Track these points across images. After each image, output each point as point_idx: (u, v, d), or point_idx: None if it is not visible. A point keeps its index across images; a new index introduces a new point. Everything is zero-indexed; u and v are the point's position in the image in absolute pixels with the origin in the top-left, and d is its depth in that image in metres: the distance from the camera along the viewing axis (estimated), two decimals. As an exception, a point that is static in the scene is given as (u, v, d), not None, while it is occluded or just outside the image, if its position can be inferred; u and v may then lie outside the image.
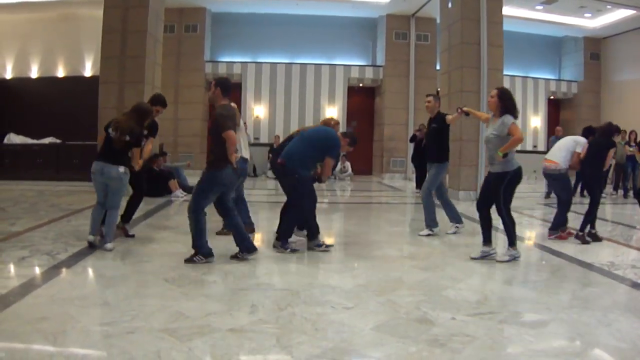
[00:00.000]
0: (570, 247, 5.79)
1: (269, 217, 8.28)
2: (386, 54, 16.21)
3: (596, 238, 6.14)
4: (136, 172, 5.46)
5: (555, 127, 12.87)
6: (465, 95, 10.33)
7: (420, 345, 2.88)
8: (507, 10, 11.89)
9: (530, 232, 7.24)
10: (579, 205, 9.39)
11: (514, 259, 5.01)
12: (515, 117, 4.97)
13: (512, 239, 5.06)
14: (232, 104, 5.42)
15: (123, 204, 5.61)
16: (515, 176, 4.99)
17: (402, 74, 16.11)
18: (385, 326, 3.17)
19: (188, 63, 15.69)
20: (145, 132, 5.67)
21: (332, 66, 16.57)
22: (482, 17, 10.31)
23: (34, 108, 14.63)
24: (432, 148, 6.44)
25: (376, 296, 3.82)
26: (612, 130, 6.36)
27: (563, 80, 18.22)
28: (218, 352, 2.76)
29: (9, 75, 15.46)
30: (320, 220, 5.68)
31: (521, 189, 14.04)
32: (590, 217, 6.14)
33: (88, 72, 15.18)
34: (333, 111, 16.47)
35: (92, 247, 5.13)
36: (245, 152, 6.01)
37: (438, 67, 13.40)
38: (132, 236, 5.74)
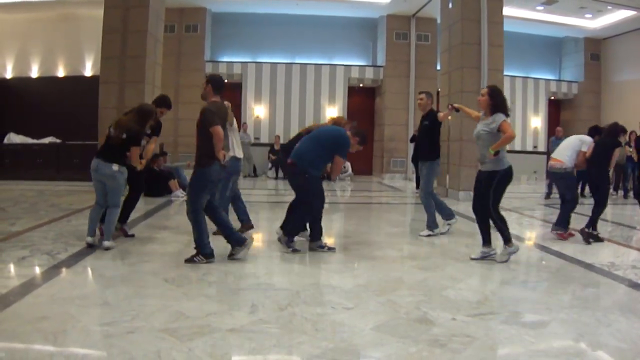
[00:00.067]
0: (571, 248, 5.79)
1: (269, 217, 8.28)
2: (386, 54, 16.20)
3: (597, 239, 6.14)
4: (135, 171, 5.46)
5: (555, 127, 12.86)
6: (465, 96, 10.32)
7: (421, 346, 2.88)
8: (507, 10, 11.88)
9: (531, 233, 7.24)
10: (579, 206, 9.39)
11: (512, 253, 5.00)
12: (507, 115, 4.94)
13: (506, 237, 5.01)
14: (226, 103, 5.44)
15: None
16: (505, 175, 4.95)
17: (403, 74, 16.10)
18: (386, 326, 3.17)
19: (188, 63, 15.68)
20: (149, 131, 5.67)
21: (333, 66, 16.57)
22: (483, 18, 10.31)
23: (34, 108, 14.63)
24: (424, 145, 6.45)
25: (376, 296, 3.82)
26: (618, 130, 6.39)
27: (563, 80, 18.22)
28: (218, 352, 2.76)
29: (9, 75, 15.46)
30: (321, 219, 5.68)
31: (521, 189, 14.10)
32: (596, 216, 6.16)
33: (88, 72, 15.18)
34: (333, 111, 16.46)
35: (91, 247, 5.14)
36: (237, 151, 6.01)
37: (438, 68, 13.38)
38: (132, 236, 5.74)
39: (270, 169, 15.50)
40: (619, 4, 14.36)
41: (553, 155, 6.52)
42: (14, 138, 14.13)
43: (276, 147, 15.57)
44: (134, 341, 2.83)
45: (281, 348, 2.82)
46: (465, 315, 3.40)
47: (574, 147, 6.33)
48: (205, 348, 2.79)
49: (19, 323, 3.04)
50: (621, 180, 12.20)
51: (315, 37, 16.65)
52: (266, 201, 10.95)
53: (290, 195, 10.59)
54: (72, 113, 14.07)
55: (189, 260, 4.63)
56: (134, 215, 6.07)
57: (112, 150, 5.20)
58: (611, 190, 12.19)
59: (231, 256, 4.82)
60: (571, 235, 6.30)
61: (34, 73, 15.39)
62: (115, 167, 5.14)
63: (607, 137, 6.35)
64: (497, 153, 4.82)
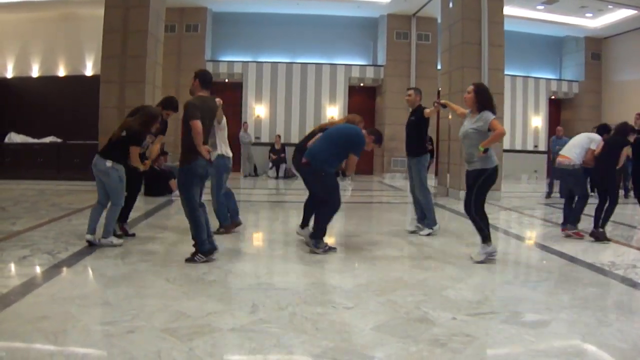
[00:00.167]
0: (571, 247, 5.78)
1: (269, 217, 8.29)
2: (387, 54, 16.20)
3: (603, 238, 6.16)
4: (137, 171, 5.45)
5: (556, 127, 12.85)
6: (466, 95, 10.32)
7: (421, 345, 2.88)
8: (508, 10, 11.88)
9: (531, 232, 7.24)
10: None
11: (490, 255, 4.93)
12: (494, 112, 4.89)
13: (484, 235, 4.94)
14: (218, 100, 5.43)
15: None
16: (493, 174, 4.91)
17: (403, 73, 16.10)
18: (386, 326, 3.17)
19: (189, 63, 15.65)
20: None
21: (333, 66, 16.57)
22: (483, 17, 10.30)
23: (34, 107, 14.64)
24: (411, 141, 6.44)
25: (377, 296, 3.82)
26: (627, 129, 6.42)
27: (564, 80, 18.21)
28: (219, 352, 2.77)
29: (9, 74, 15.47)
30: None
31: (522, 189, 14.10)
32: (609, 214, 6.18)
33: (89, 71, 15.19)
34: (334, 111, 16.48)
35: (92, 245, 5.14)
36: (225, 149, 6.00)
37: (439, 67, 13.38)
38: (133, 235, 5.74)
39: (271, 168, 15.51)
40: (620, 3, 14.36)
41: (561, 152, 6.53)
42: (14, 137, 14.14)
43: (277, 147, 15.58)
44: (135, 341, 2.83)
45: (281, 348, 2.82)
46: (466, 315, 3.40)
47: (582, 144, 6.34)
48: (205, 348, 2.79)
49: (20, 322, 3.05)
50: (622, 179, 12.17)
51: (315, 36, 16.65)
52: (267, 200, 10.95)
53: (290, 195, 10.56)
54: (72, 113, 14.09)
55: (190, 260, 4.63)
56: (134, 214, 6.07)
57: (111, 147, 5.22)
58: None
59: (189, 260, 4.69)
60: (579, 235, 6.37)
61: (35, 72, 15.41)
62: (109, 163, 5.14)
63: (617, 136, 6.38)
64: (486, 151, 4.78)
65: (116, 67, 10.01)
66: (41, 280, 4.03)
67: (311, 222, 5.51)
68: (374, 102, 17.59)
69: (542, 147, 17.70)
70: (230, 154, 6.14)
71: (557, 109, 18.84)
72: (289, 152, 15.65)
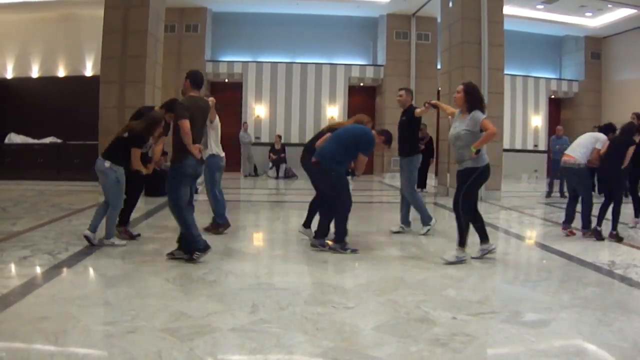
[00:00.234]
0: (571, 247, 5.78)
1: (270, 217, 8.29)
2: (387, 54, 16.21)
3: (600, 237, 6.17)
4: (136, 174, 5.42)
5: (556, 126, 12.85)
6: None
7: (421, 345, 2.88)
8: (507, 9, 11.87)
9: (531, 232, 7.24)
10: (579, 205, 9.37)
11: (460, 261, 4.82)
12: (484, 112, 4.86)
13: (462, 240, 4.87)
14: (211, 99, 5.47)
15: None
16: (484, 172, 4.86)
17: (403, 73, 16.10)
18: (386, 326, 3.17)
19: (189, 63, 15.60)
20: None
21: (333, 65, 16.57)
22: (483, 17, 10.29)
23: (34, 108, 14.64)
24: (403, 141, 6.43)
25: (377, 296, 3.82)
26: (633, 129, 6.44)
27: (564, 79, 18.22)
28: (219, 352, 2.77)
29: (9, 75, 15.47)
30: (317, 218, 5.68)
31: (522, 188, 14.08)
32: (616, 215, 6.20)
33: (89, 71, 15.19)
34: (334, 110, 16.48)
35: (89, 243, 5.15)
36: (216, 149, 5.98)
37: (439, 67, 13.39)
38: (138, 235, 5.69)
39: (271, 168, 15.51)
40: (620, 3, 14.36)
41: (566, 151, 6.53)
42: (14, 138, 14.14)
43: (277, 147, 15.58)
44: (135, 341, 2.83)
45: (282, 348, 2.82)
46: (466, 315, 3.40)
47: (587, 144, 6.35)
48: (205, 348, 2.79)
49: (20, 323, 3.05)
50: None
51: (315, 36, 16.66)
52: (267, 200, 10.95)
53: (290, 195, 10.54)
54: (72, 113, 14.08)
55: (190, 260, 4.62)
56: (134, 215, 6.06)
57: (112, 149, 5.23)
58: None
59: (171, 254, 4.72)
60: (572, 234, 6.34)
61: (35, 73, 15.41)
62: (107, 163, 5.15)
63: (622, 135, 6.39)
64: (478, 152, 4.75)
65: (116, 67, 10.01)
66: (41, 281, 4.03)
67: (314, 222, 5.53)
68: (373, 102, 17.59)
69: (542, 146, 17.71)
70: (222, 154, 6.11)
71: (557, 108, 18.84)
72: (289, 152, 15.66)
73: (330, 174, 5.22)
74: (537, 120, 17.88)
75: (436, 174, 12.65)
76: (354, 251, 5.22)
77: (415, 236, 6.30)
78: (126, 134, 5.18)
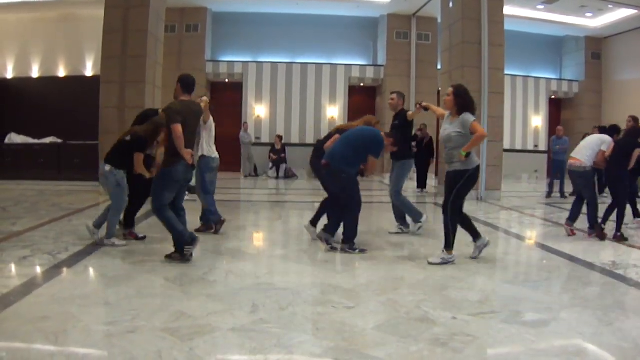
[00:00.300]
0: (572, 247, 5.78)
1: (270, 217, 8.29)
2: (387, 54, 16.21)
3: (603, 235, 6.21)
4: (140, 177, 5.41)
5: (556, 126, 12.86)
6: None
7: (422, 345, 2.88)
8: (508, 9, 11.88)
9: (532, 232, 7.24)
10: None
11: (446, 262, 4.81)
12: (474, 114, 4.84)
13: (448, 242, 4.87)
14: (204, 98, 5.54)
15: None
16: (474, 174, 4.85)
17: (403, 73, 16.11)
18: (387, 326, 3.17)
19: (189, 63, 15.68)
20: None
21: (333, 66, 16.58)
22: (483, 17, 10.30)
23: (35, 108, 14.65)
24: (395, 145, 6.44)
25: (377, 296, 3.82)
26: (639, 131, 6.44)
27: (564, 79, 18.21)
28: (219, 352, 2.77)
29: (10, 75, 15.47)
30: (322, 219, 5.69)
31: (522, 188, 14.05)
32: (621, 217, 6.23)
33: (89, 71, 15.19)
34: (334, 111, 16.48)
35: (92, 237, 5.22)
36: (208, 150, 5.96)
37: (439, 67, 13.39)
38: (144, 238, 5.64)
39: (271, 168, 15.51)
40: (620, 3, 14.36)
41: (572, 154, 6.56)
42: (15, 138, 14.15)
43: (277, 147, 15.58)
44: (135, 341, 2.83)
45: (282, 348, 2.82)
46: (466, 315, 3.40)
47: (593, 146, 6.37)
48: (206, 348, 2.79)
49: (20, 323, 3.05)
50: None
51: (316, 36, 16.66)
52: (267, 200, 10.95)
53: (290, 195, 10.55)
54: (73, 113, 14.08)
55: (182, 259, 4.60)
56: (134, 220, 6.01)
57: (113, 152, 5.24)
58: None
59: (169, 257, 4.70)
60: (573, 234, 6.39)
61: (35, 73, 15.41)
62: (107, 167, 5.17)
63: (628, 137, 6.42)
64: (468, 155, 4.74)
65: (116, 67, 10.00)
66: (42, 281, 4.03)
67: (320, 222, 5.59)
68: (374, 102, 17.59)
69: (543, 146, 17.71)
70: (215, 155, 6.05)
71: (557, 108, 18.84)
72: (289, 152, 15.68)
73: (340, 175, 5.24)
74: (538, 121, 17.88)
75: (436, 174, 12.65)
76: (362, 251, 5.24)
77: (415, 236, 6.30)
78: (128, 137, 5.18)
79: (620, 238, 6.13)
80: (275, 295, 3.74)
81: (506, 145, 13.72)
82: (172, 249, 4.75)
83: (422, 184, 11.91)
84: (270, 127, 16.42)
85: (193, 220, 6.22)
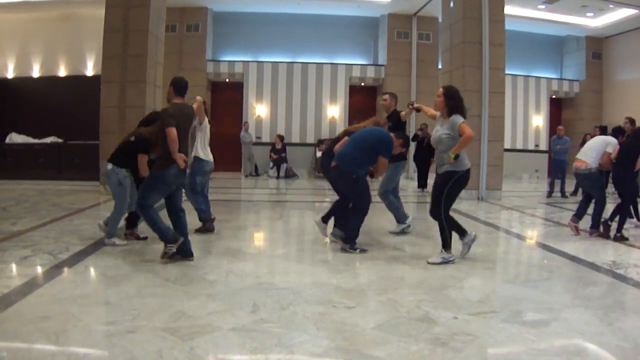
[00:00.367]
0: (572, 246, 5.78)
1: (270, 217, 8.29)
2: (388, 53, 16.19)
3: (607, 232, 6.27)
4: (142, 179, 5.40)
5: (557, 126, 12.86)
6: (467, 95, 10.30)
7: (422, 344, 2.88)
8: (509, 9, 11.87)
9: (532, 231, 7.24)
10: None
11: (446, 262, 4.81)
12: (464, 116, 4.83)
13: (446, 242, 4.86)
14: (198, 98, 5.55)
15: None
16: (464, 176, 4.83)
17: (404, 73, 16.10)
18: (387, 325, 3.17)
19: (190, 62, 15.69)
20: None
21: (334, 65, 16.56)
22: (484, 16, 10.29)
23: (35, 107, 14.64)
24: None
25: (377, 295, 3.82)
26: None
27: (565, 79, 18.19)
28: (220, 352, 2.77)
29: (10, 74, 15.47)
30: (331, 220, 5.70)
31: (523, 188, 14.04)
32: (623, 218, 6.26)
33: (90, 71, 15.18)
34: (335, 110, 16.48)
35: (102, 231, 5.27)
36: (202, 152, 5.93)
37: (440, 67, 13.39)
38: (145, 238, 5.60)
39: (272, 168, 15.51)
40: (621, 3, 14.34)
41: (578, 156, 6.59)
42: (15, 138, 14.14)
43: (277, 147, 15.58)
44: (136, 340, 2.83)
45: (282, 347, 2.82)
46: (467, 314, 3.40)
47: (598, 148, 6.41)
48: (206, 347, 2.79)
49: (21, 322, 3.05)
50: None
51: (316, 36, 16.65)
52: (267, 200, 10.95)
53: (291, 195, 10.58)
54: (73, 113, 14.08)
55: (163, 255, 4.59)
56: (137, 221, 6.01)
57: (117, 152, 5.25)
58: (612, 190, 12.18)
59: (162, 256, 4.68)
60: (577, 232, 6.44)
61: (36, 73, 15.41)
62: (109, 166, 5.19)
63: (634, 139, 6.45)
64: (457, 157, 4.71)
65: (117, 66, 10.00)
66: (42, 280, 4.03)
67: (330, 222, 5.64)
68: (374, 102, 17.55)
69: (543, 146, 17.70)
70: (209, 157, 6.02)
71: (558, 108, 18.83)
72: (290, 151, 15.68)
73: (350, 176, 5.24)
74: (538, 120, 17.87)
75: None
76: (362, 251, 5.24)
77: (415, 236, 6.30)
78: (133, 138, 5.17)
79: (620, 238, 6.14)
80: (276, 295, 3.74)
81: (507, 144, 13.72)
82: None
83: (422, 183, 11.90)
84: (271, 126, 16.41)
85: (193, 220, 6.22)
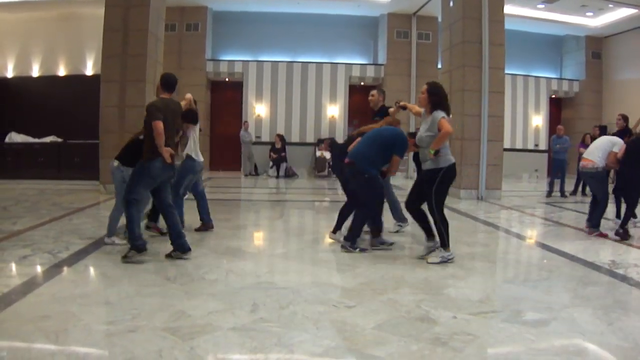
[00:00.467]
0: (572, 246, 5.78)
1: (270, 216, 8.29)
2: (387, 53, 16.19)
3: (627, 236, 6.25)
4: None
5: (556, 126, 12.86)
6: (467, 94, 10.33)
7: (422, 344, 2.88)
8: (508, 9, 11.87)
9: (532, 231, 7.24)
10: (580, 204, 9.38)
11: (445, 261, 4.81)
12: (447, 112, 4.82)
13: (444, 241, 4.86)
14: (188, 95, 5.57)
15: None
16: (447, 172, 4.80)
17: (404, 72, 16.10)
18: (387, 325, 3.17)
19: (189, 61, 15.69)
20: None
21: (334, 65, 16.56)
22: (484, 16, 10.29)
23: (35, 107, 14.64)
24: None
25: (378, 295, 3.82)
26: None
27: (564, 79, 18.20)
28: (220, 351, 2.77)
29: (10, 74, 15.47)
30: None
31: (523, 187, 14.04)
32: (627, 217, 6.32)
33: (89, 70, 15.18)
34: (334, 110, 16.47)
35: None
36: (195, 152, 5.92)
37: (439, 66, 13.38)
38: (166, 234, 5.62)
39: (272, 167, 15.51)
40: (621, 2, 14.34)
41: (584, 155, 6.64)
42: (15, 137, 14.15)
43: (277, 146, 15.59)
44: (136, 340, 2.83)
45: (282, 347, 2.82)
46: (467, 314, 3.40)
47: (604, 148, 6.46)
48: (206, 347, 2.79)
49: (21, 322, 3.05)
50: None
51: (316, 35, 16.65)
52: (267, 200, 10.95)
53: (291, 194, 10.55)
54: (73, 112, 14.08)
55: (124, 257, 4.58)
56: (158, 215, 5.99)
57: (124, 150, 5.27)
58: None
59: (169, 256, 4.73)
60: (604, 235, 6.43)
61: (35, 72, 15.40)
62: (115, 163, 5.23)
63: (637, 141, 6.48)
64: (437, 152, 4.71)
65: (117, 66, 10.00)
66: (42, 280, 4.03)
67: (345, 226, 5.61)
68: (374, 101, 17.56)
69: (543, 146, 17.70)
70: (200, 158, 5.99)
71: (558, 107, 18.83)
72: (289, 151, 15.68)
73: (362, 175, 5.23)
74: (538, 120, 17.87)
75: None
76: (362, 250, 5.24)
77: (415, 236, 6.30)
78: (142, 137, 5.17)
79: (622, 234, 6.16)
80: (276, 294, 3.74)
81: (506, 144, 13.72)
82: (171, 248, 4.76)
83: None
84: (271, 126, 16.40)
85: (193, 219, 6.23)
